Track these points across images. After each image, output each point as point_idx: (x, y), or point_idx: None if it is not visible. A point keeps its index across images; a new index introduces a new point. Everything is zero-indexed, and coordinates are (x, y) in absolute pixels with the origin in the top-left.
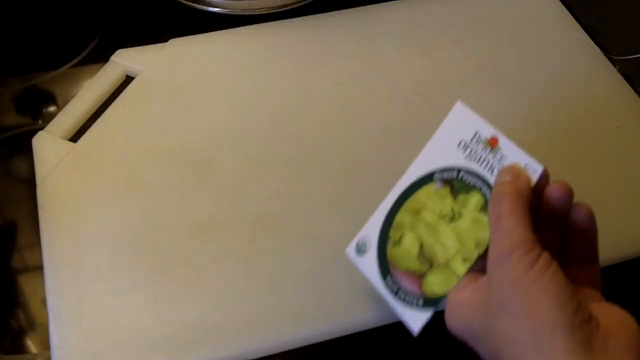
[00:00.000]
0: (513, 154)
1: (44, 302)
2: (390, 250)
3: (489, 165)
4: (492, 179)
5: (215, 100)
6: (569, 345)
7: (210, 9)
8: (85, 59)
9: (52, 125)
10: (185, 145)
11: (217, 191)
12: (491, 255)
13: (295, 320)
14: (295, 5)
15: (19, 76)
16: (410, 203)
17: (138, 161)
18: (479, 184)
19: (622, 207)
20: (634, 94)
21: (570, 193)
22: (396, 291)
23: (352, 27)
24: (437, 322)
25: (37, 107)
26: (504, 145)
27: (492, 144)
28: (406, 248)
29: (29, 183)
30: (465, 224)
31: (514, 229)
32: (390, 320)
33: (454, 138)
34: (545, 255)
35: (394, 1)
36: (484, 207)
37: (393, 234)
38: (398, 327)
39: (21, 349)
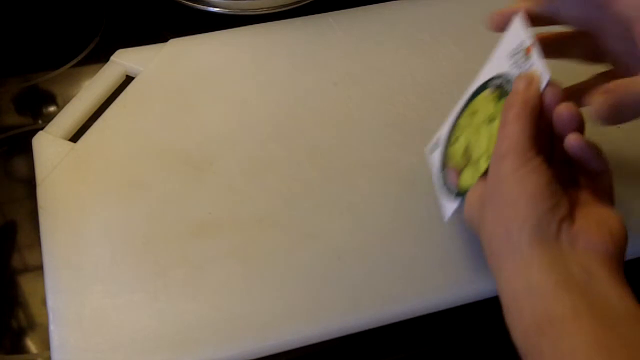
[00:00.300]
0: (535, 61)
1: (44, 302)
2: (449, 148)
3: (521, 72)
4: None
5: (215, 100)
6: (534, 239)
7: (210, 9)
8: (85, 59)
9: (52, 125)
10: (185, 145)
11: (217, 191)
12: (492, 157)
13: (295, 320)
14: (295, 5)
15: (19, 76)
16: (470, 107)
17: (138, 161)
18: (511, 89)
19: (622, 208)
20: None
21: (576, 116)
22: (444, 183)
23: (352, 27)
24: (432, 324)
25: (37, 107)
26: (533, 54)
27: (528, 52)
28: (457, 147)
29: (29, 183)
30: (495, 126)
31: (513, 134)
32: (390, 321)
33: (508, 47)
34: (536, 160)
35: (394, 1)
36: None
37: (454, 134)
38: (398, 328)
39: (21, 349)
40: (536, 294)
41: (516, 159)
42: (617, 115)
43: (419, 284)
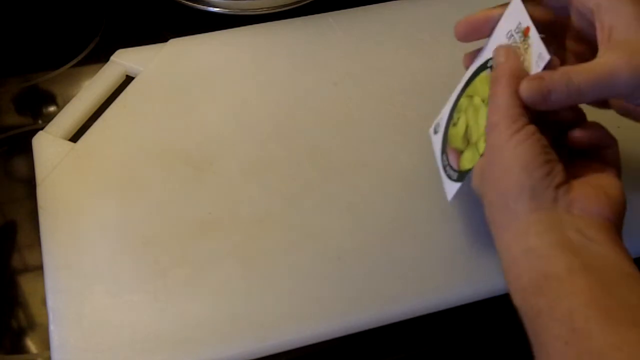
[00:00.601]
0: (534, 43)
1: (44, 302)
2: (450, 130)
3: (519, 53)
4: None
5: (215, 100)
6: (531, 206)
7: (210, 9)
8: (85, 59)
9: (52, 125)
10: (185, 145)
11: (217, 191)
12: (486, 130)
13: (295, 320)
14: (295, 5)
15: (19, 76)
16: (470, 88)
17: (138, 161)
18: None
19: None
20: None
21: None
22: (445, 166)
23: (352, 27)
24: (432, 324)
25: (37, 107)
26: (531, 35)
27: (526, 33)
28: (458, 129)
29: (29, 183)
30: None
31: (502, 104)
32: (390, 321)
33: (506, 28)
34: (528, 128)
35: (394, 1)
36: None
37: (455, 115)
38: (398, 328)
39: (21, 349)
40: (533, 255)
41: (507, 128)
42: (544, 101)
43: (419, 284)
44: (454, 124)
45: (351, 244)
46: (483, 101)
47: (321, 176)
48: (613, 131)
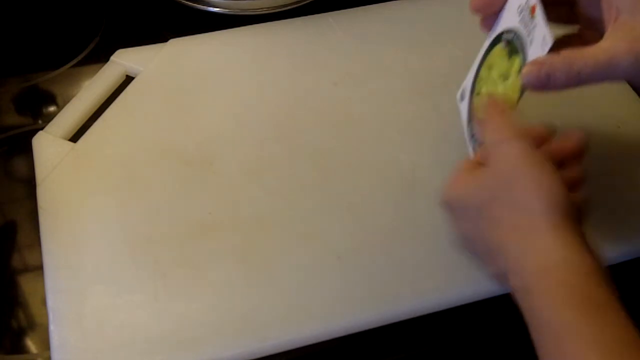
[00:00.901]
0: (539, 23)
1: (44, 302)
2: (474, 99)
3: (528, 31)
4: (528, 44)
5: (215, 100)
6: (559, 222)
7: (210, 9)
8: (85, 59)
9: (52, 125)
10: (185, 145)
11: (217, 191)
12: (488, 146)
13: (295, 320)
14: (295, 5)
15: (19, 76)
16: (488, 59)
17: (138, 161)
18: (521, 47)
19: (622, 207)
20: (634, 94)
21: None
22: (472, 136)
23: (352, 27)
24: (432, 324)
25: (37, 107)
26: (537, 14)
27: (533, 11)
28: (482, 100)
29: (29, 183)
30: (508, 84)
31: (503, 125)
32: (390, 321)
33: (516, 3)
34: (540, 154)
35: (394, 1)
36: (519, 71)
37: (477, 85)
38: (398, 328)
39: (21, 349)
40: (568, 268)
41: (521, 143)
42: (543, 85)
43: (419, 284)
44: (477, 93)
45: (351, 244)
46: (499, 77)
47: (321, 176)
48: (613, 131)
